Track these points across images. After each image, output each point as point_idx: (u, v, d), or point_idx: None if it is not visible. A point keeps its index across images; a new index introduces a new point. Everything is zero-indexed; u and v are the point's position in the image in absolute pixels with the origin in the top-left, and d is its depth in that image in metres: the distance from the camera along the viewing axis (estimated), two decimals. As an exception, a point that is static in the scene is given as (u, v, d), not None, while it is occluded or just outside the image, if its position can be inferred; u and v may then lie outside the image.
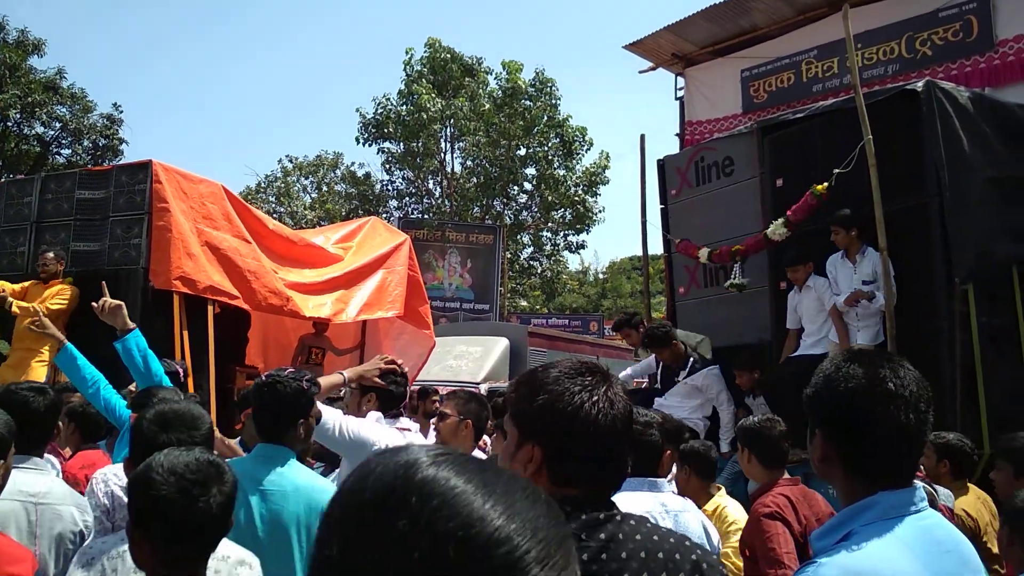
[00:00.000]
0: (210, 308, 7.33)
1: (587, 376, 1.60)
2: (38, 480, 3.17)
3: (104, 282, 4.80)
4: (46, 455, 3.73)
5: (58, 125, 25.50)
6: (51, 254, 7.20)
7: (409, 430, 3.94)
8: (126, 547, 2.29)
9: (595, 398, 1.55)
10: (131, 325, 4.38)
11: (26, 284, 7.24)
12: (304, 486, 3.11)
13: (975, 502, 4.41)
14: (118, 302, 4.41)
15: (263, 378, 3.34)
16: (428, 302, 10.25)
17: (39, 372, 6.82)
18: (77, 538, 3.16)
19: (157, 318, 6.81)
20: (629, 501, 3.10)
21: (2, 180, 13.79)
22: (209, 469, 1.99)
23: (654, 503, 3.02)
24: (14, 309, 6.89)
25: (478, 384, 11.68)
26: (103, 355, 5.51)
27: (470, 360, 13.43)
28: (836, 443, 1.64)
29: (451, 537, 0.72)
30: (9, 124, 25.02)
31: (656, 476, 3.21)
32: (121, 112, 26.32)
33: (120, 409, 4.44)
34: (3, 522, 2.96)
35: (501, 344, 13.98)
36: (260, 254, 7.86)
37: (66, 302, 7.06)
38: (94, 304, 4.49)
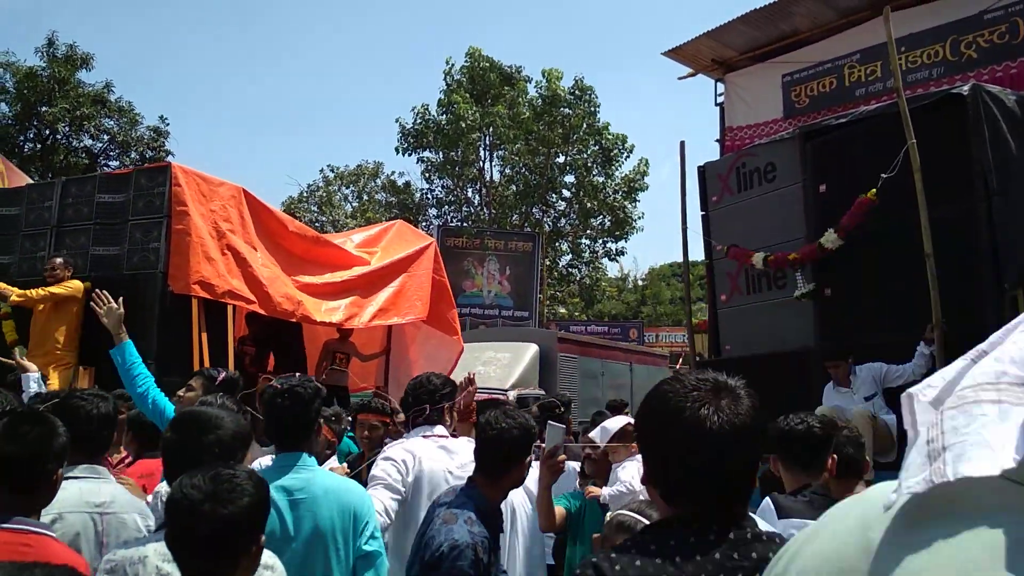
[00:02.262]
0: (229, 312, 7.28)
1: (704, 385, 1.60)
2: (102, 489, 3.16)
3: (123, 298, 4.84)
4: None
5: (106, 138, 26.02)
6: (59, 259, 7.08)
7: (444, 436, 3.90)
8: (147, 552, 2.37)
9: (706, 405, 1.55)
10: (122, 333, 4.54)
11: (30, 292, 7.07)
12: (333, 489, 3.11)
13: None
14: (116, 307, 4.58)
15: (278, 385, 3.35)
16: (455, 307, 10.13)
17: (58, 378, 6.72)
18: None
19: (176, 323, 6.79)
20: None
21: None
22: (220, 485, 2.01)
23: None
24: (12, 299, 6.80)
25: (507, 391, 11.57)
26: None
27: (499, 366, 13.28)
28: None
29: None
30: (58, 137, 25.58)
31: None
32: (167, 124, 26.82)
33: (169, 412, 4.51)
34: (72, 534, 2.96)
35: (531, 350, 13.81)
36: (270, 259, 7.74)
37: (67, 290, 6.92)
38: (97, 304, 4.62)
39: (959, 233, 5.98)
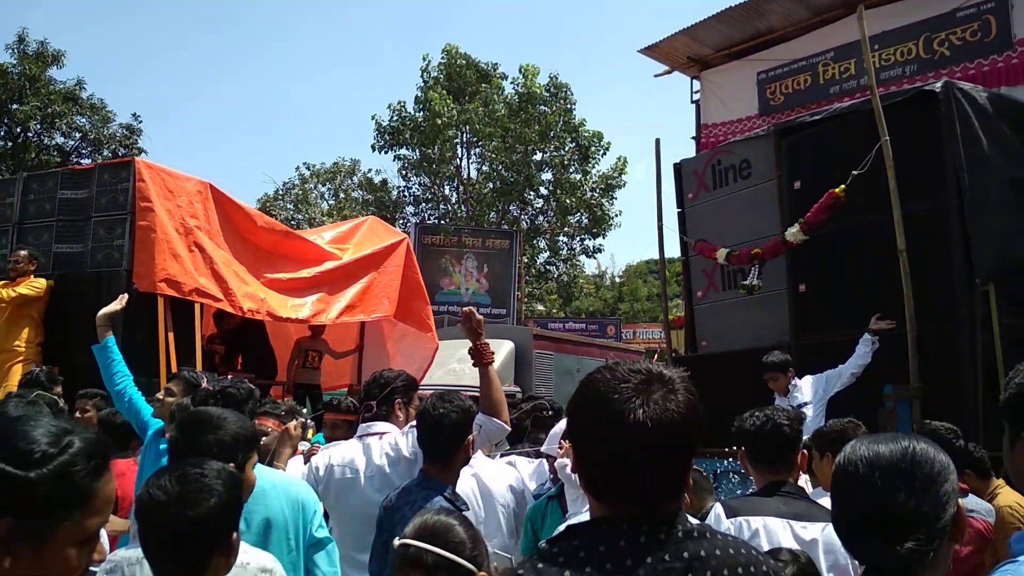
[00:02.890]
0: (196, 310, 7.12)
1: (635, 377, 1.51)
2: None
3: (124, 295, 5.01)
4: None
5: (78, 135, 25.71)
6: (24, 252, 6.93)
7: (384, 432, 3.91)
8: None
9: (634, 398, 1.47)
10: (108, 333, 4.63)
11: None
12: (279, 483, 3.18)
13: (1013, 496, 4.39)
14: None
15: (211, 387, 3.40)
16: (430, 304, 9.98)
17: (13, 375, 6.60)
18: (106, 549, 3.20)
19: (142, 322, 6.62)
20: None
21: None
22: (187, 486, 2.00)
23: None
24: None
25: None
26: (88, 360, 5.57)
27: None
28: None
29: None
30: (30, 135, 25.25)
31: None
32: (140, 122, 26.52)
33: (144, 413, 4.48)
34: None
35: (506, 347, 13.73)
36: (236, 255, 7.58)
37: (35, 291, 6.83)
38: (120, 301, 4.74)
39: (932, 229, 6.04)
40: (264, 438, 4.13)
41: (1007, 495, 4.43)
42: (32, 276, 6.93)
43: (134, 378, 5.00)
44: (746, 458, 3.24)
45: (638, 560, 1.41)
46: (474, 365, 3.87)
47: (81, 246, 7.08)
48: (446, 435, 3.25)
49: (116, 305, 4.88)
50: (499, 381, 3.90)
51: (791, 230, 6.60)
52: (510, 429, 4.03)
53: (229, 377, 3.53)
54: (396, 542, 2.27)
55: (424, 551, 2.18)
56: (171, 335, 6.72)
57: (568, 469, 5.05)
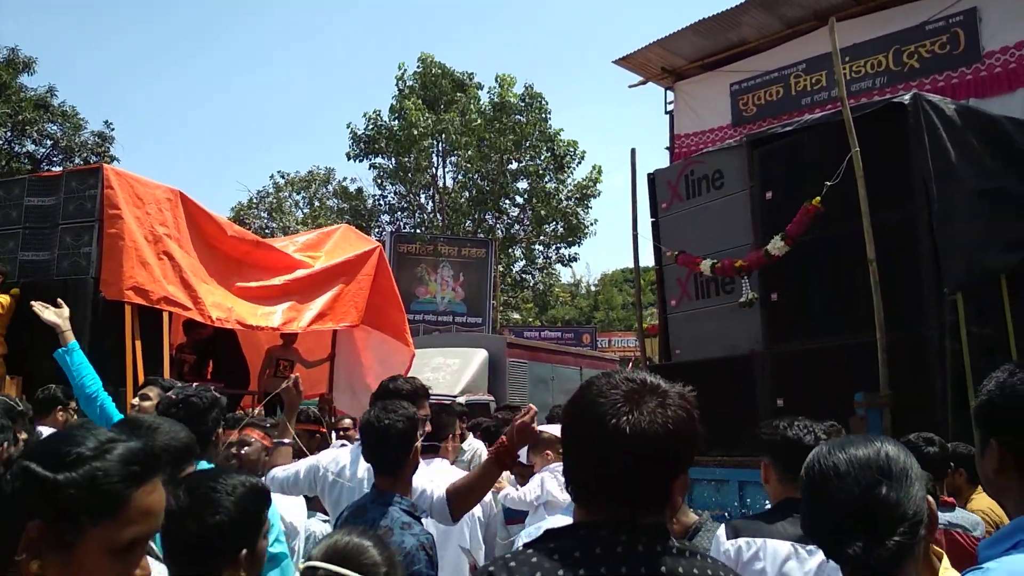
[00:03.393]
0: (165, 319, 7.03)
1: (627, 385, 1.52)
2: None
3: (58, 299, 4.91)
4: None
5: (49, 143, 25.50)
6: None
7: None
8: None
9: (622, 405, 1.47)
10: (71, 337, 4.55)
11: None
12: None
13: (987, 500, 4.46)
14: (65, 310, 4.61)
15: (172, 395, 3.34)
16: (404, 312, 9.89)
17: None
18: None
19: (109, 330, 6.56)
20: None
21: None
22: (196, 498, 2.04)
23: None
24: None
25: (456, 397, 11.50)
26: (54, 368, 5.52)
27: (448, 372, 13.23)
28: (1016, 451, 1.61)
29: None
30: (0, 142, 24.99)
31: None
32: (112, 130, 26.36)
33: (115, 418, 4.44)
34: None
35: (480, 356, 13.77)
36: (200, 266, 7.48)
37: (3, 307, 6.72)
38: (35, 305, 4.67)
39: (901, 239, 6.11)
40: (246, 448, 4.11)
41: (981, 499, 4.49)
42: (3, 288, 6.81)
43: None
44: (772, 469, 3.07)
45: (613, 569, 1.40)
46: (494, 461, 3.46)
47: (48, 253, 6.98)
48: (394, 445, 3.18)
49: (57, 309, 4.85)
50: (489, 485, 3.60)
51: (774, 243, 6.65)
52: (453, 524, 3.72)
53: (194, 386, 3.47)
54: (301, 564, 2.16)
55: (333, 575, 2.07)
56: (139, 343, 6.63)
57: (507, 498, 5.13)
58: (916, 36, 11.12)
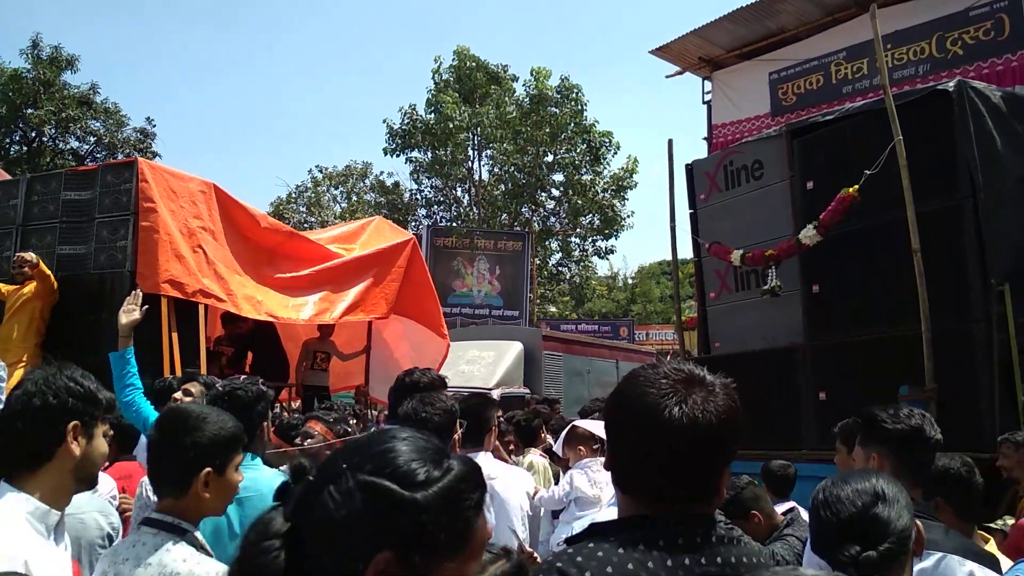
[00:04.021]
0: (201, 312, 7.07)
1: (676, 375, 1.52)
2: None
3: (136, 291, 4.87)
4: None
5: (92, 140, 25.94)
6: (29, 255, 6.76)
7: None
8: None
9: (672, 396, 1.47)
10: (130, 335, 4.46)
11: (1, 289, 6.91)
12: (267, 489, 3.08)
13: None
14: (134, 310, 4.55)
15: (219, 387, 3.38)
16: (439, 303, 9.88)
17: (15, 378, 6.30)
18: (106, 541, 3.20)
19: (145, 324, 6.58)
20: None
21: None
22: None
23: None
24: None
25: (491, 389, 11.50)
26: (92, 361, 5.52)
27: (483, 365, 13.29)
28: None
29: None
30: (44, 139, 25.48)
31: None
32: (154, 126, 26.80)
33: (152, 419, 4.51)
34: None
35: (515, 348, 13.78)
36: (233, 258, 7.52)
37: (42, 287, 6.74)
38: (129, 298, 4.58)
39: (945, 229, 6.00)
40: (308, 441, 4.16)
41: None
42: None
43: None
44: (886, 463, 2.72)
45: (677, 561, 1.41)
46: None
47: (84, 247, 7.02)
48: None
49: (137, 314, 4.88)
50: None
51: (806, 232, 6.57)
52: None
53: (241, 379, 3.51)
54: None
55: None
56: (175, 336, 6.67)
57: (541, 500, 5.13)
58: (960, 22, 10.91)
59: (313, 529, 1.10)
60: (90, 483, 2.20)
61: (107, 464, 5.12)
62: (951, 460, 2.96)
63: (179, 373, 6.42)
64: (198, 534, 2.36)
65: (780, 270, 7.05)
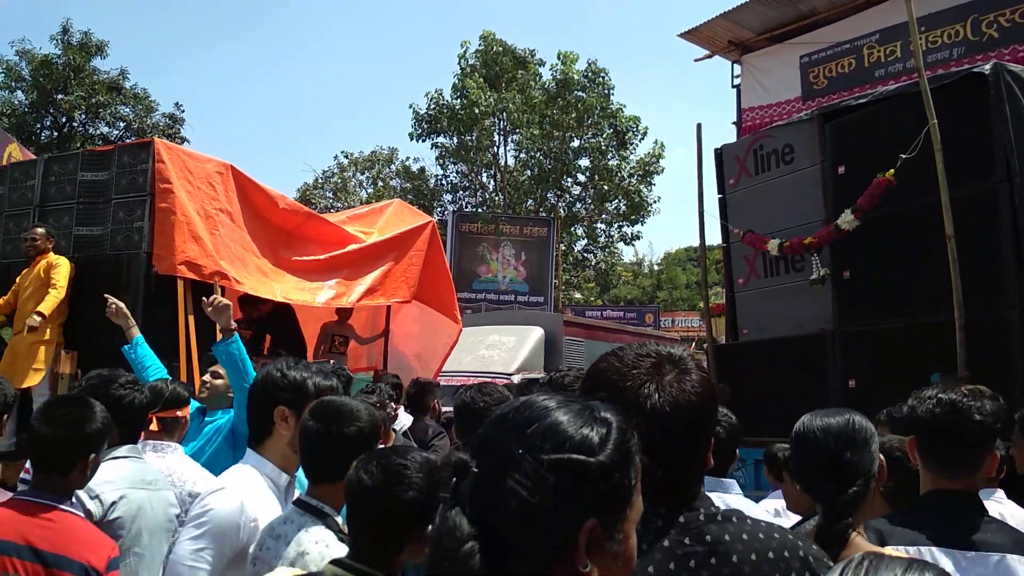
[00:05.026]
0: (218, 293, 6.94)
1: (645, 361, 1.49)
2: (147, 468, 3.41)
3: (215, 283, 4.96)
4: None
5: (122, 125, 26.15)
6: (41, 230, 6.80)
7: None
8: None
9: (647, 383, 1.45)
10: (233, 326, 4.21)
11: (14, 288, 6.88)
12: None
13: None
14: (226, 301, 4.36)
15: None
16: (454, 288, 9.77)
17: (41, 353, 6.55)
18: (174, 520, 3.34)
19: (162, 306, 6.58)
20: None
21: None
22: (390, 475, 2.15)
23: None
24: (40, 322, 6.41)
25: (511, 375, 11.43)
26: (108, 343, 5.50)
27: (503, 350, 13.13)
28: None
29: None
30: (75, 124, 25.72)
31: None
32: (183, 111, 26.96)
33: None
34: (135, 509, 3.18)
35: (535, 334, 13.63)
36: (250, 240, 7.43)
37: (64, 278, 6.67)
38: (204, 300, 4.45)
39: (980, 214, 5.90)
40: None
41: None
42: (52, 254, 6.81)
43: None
44: (915, 449, 2.65)
45: (654, 542, 1.38)
46: None
47: (101, 228, 6.99)
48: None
49: (124, 310, 4.96)
50: None
51: (844, 217, 6.48)
52: None
53: (331, 363, 3.58)
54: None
55: None
56: (191, 318, 6.62)
57: None
58: (995, 4, 10.70)
59: (508, 521, 1.09)
60: None
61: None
62: (889, 439, 2.93)
63: (195, 356, 6.45)
64: (339, 519, 2.47)
65: (810, 256, 6.98)
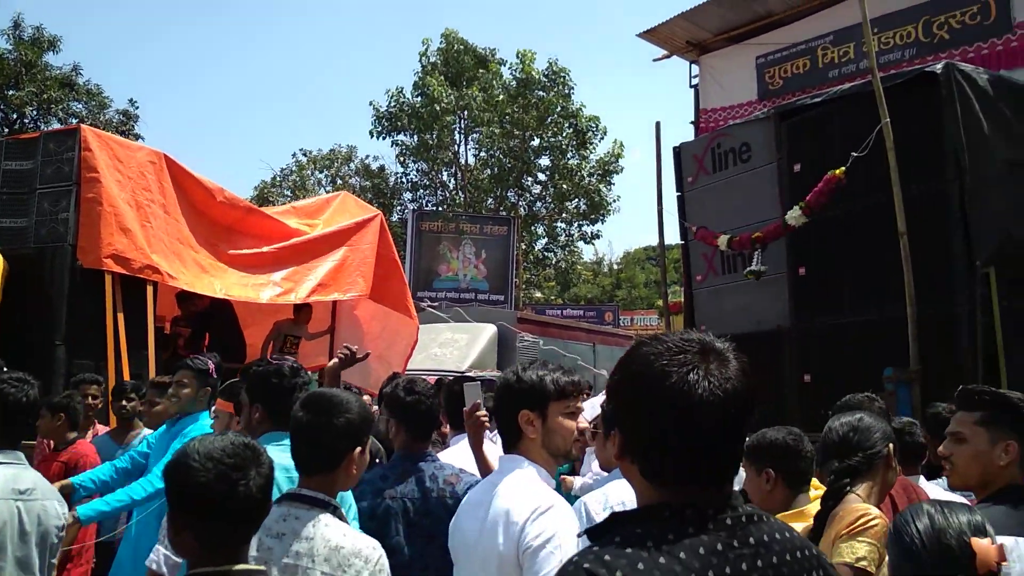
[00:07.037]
0: (149, 289, 6.72)
1: (692, 347, 1.42)
2: (24, 475, 3.08)
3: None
4: None
5: (74, 121, 25.63)
6: None
7: None
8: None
9: (695, 369, 1.37)
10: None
11: None
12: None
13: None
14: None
15: (260, 369, 3.38)
16: (406, 283, 9.54)
17: None
18: (61, 531, 3.14)
19: (88, 301, 6.29)
20: None
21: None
22: (245, 452, 1.97)
23: None
24: None
25: (463, 372, 11.37)
26: (31, 340, 5.25)
27: (455, 348, 13.06)
28: None
29: None
30: (26, 121, 25.17)
31: None
32: (137, 108, 26.48)
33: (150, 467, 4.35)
34: (23, 523, 2.95)
35: (488, 331, 13.61)
36: (188, 233, 7.16)
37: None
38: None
39: (932, 211, 6.01)
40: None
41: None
42: None
43: (77, 361, 5.15)
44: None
45: (709, 548, 1.31)
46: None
47: (25, 220, 6.60)
48: (436, 418, 3.54)
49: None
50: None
51: (792, 213, 6.57)
52: None
53: (290, 360, 3.48)
54: None
55: None
56: (120, 316, 6.35)
57: (582, 488, 4.98)
58: (946, 6, 10.93)
59: None
60: (564, 457, 2.68)
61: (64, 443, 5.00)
62: (777, 432, 3.05)
63: (125, 355, 6.21)
64: (342, 509, 2.49)
65: (767, 253, 7.06)
